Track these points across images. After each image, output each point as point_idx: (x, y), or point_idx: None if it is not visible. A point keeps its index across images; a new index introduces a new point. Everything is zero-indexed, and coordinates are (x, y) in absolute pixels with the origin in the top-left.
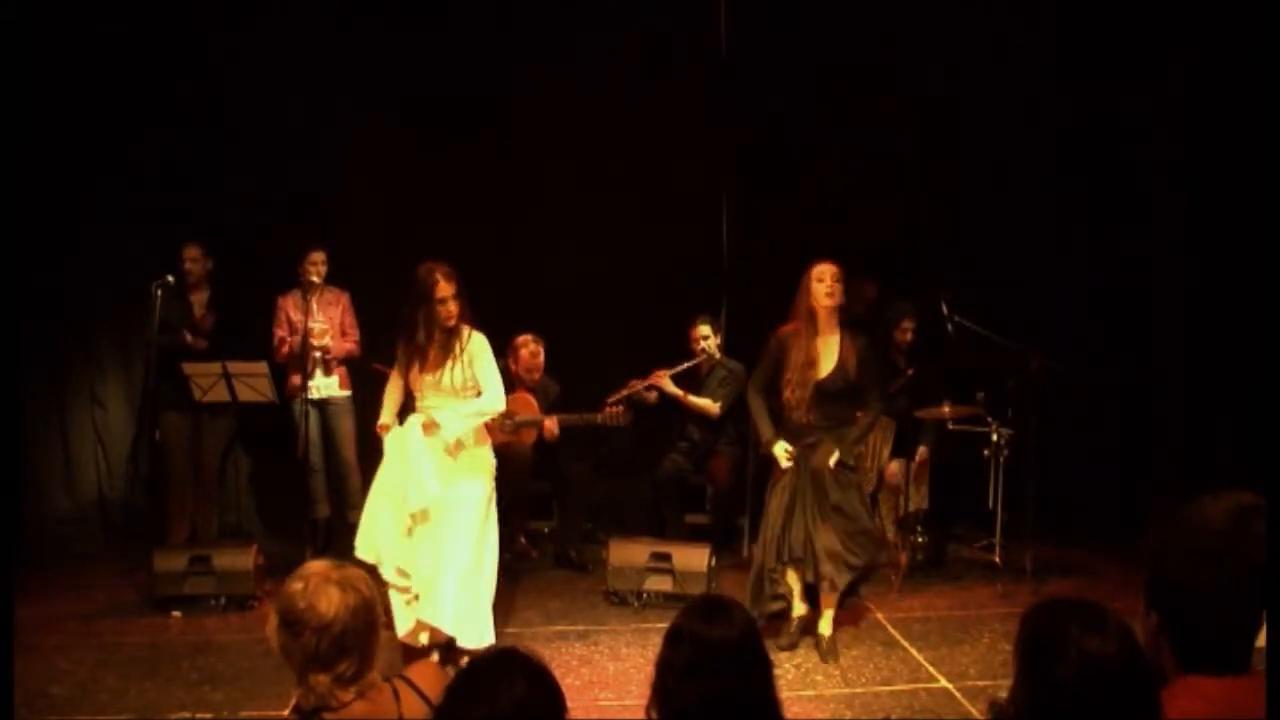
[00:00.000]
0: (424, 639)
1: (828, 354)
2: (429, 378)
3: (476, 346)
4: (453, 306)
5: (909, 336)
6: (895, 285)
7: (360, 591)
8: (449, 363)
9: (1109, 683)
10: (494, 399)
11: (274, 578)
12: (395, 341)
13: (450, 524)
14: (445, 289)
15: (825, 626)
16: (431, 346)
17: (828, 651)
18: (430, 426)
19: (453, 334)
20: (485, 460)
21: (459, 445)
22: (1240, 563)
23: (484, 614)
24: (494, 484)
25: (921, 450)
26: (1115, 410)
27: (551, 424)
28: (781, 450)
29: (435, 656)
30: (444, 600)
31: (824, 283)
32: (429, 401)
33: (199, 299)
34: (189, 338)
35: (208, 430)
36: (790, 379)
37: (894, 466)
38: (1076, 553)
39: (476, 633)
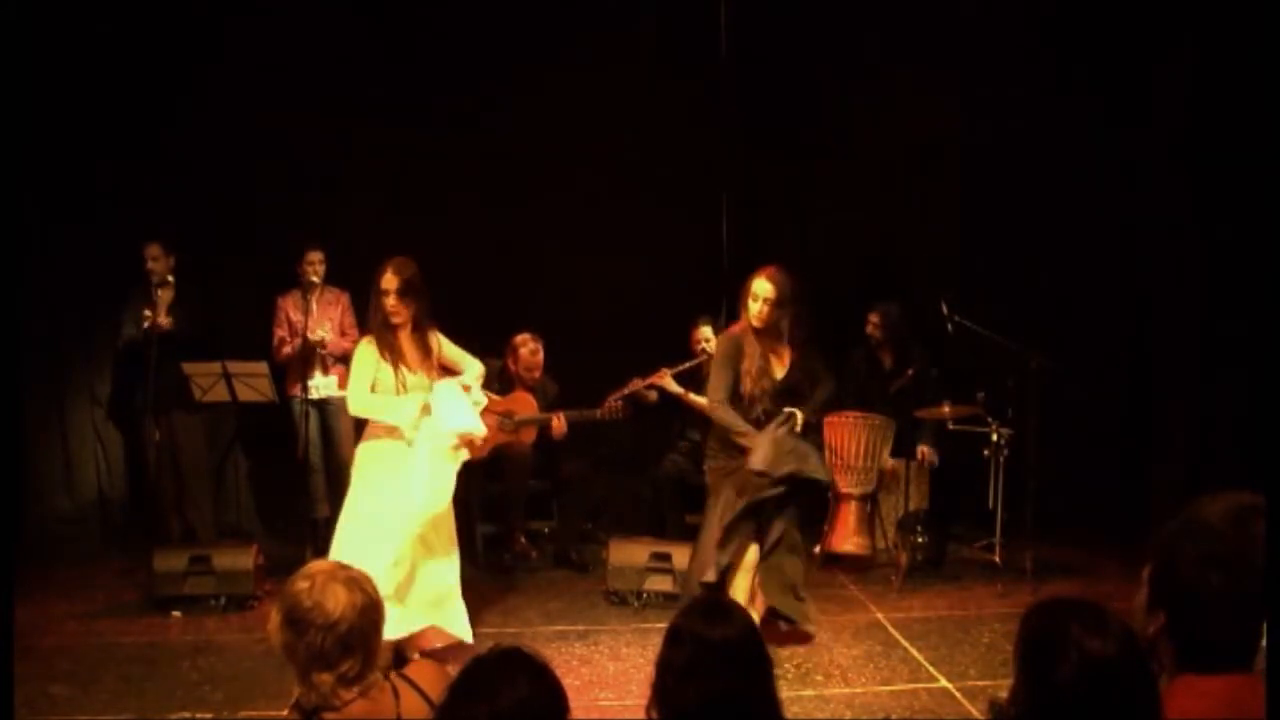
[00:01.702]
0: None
1: (777, 357)
2: (413, 379)
3: (443, 342)
4: (393, 301)
5: (871, 330)
6: (896, 285)
7: (366, 591)
8: (429, 365)
9: (1109, 683)
10: (478, 362)
11: (274, 578)
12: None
13: (440, 535)
14: (389, 281)
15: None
16: (406, 347)
17: None
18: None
19: (425, 336)
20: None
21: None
22: (1245, 564)
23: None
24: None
25: (924, 449)
26: (1115, 410)
27: (560, 423)
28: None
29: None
30: (457, 611)
31: (756, 302)
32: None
33: (164, 297)
34: (147, 324)
35: (181, 429)
36: (747, 374)
37: (892, 462)
38: (1076, 553)
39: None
